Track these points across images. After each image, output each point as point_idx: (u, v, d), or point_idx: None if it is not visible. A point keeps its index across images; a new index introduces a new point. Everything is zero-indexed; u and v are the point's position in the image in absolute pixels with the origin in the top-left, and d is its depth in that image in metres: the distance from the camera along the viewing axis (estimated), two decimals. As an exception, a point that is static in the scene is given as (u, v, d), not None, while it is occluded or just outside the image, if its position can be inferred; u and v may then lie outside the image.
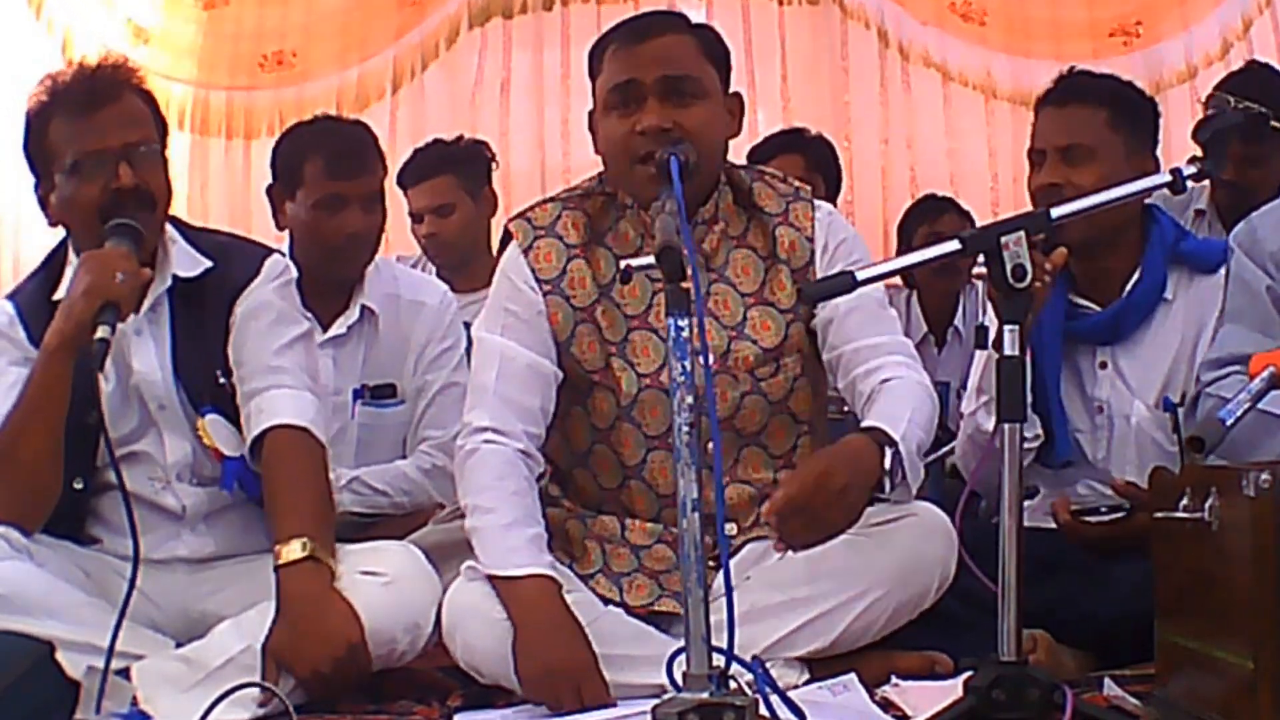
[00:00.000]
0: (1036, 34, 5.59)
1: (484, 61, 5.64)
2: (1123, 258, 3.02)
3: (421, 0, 5.69)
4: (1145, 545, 2.65)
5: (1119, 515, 2.89)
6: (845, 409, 3.97)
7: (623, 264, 2.56)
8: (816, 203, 2.84)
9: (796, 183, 2.87)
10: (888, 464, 2.54)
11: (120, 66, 2.86)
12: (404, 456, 3.46)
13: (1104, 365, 3.05)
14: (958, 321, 5.10)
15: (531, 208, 2.87)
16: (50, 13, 5.60)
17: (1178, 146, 2.83)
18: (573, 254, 2.78)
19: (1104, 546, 2.89)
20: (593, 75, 2.80)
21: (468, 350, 3.18)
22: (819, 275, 2.76)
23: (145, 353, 2.84)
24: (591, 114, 2.83)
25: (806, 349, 2.80)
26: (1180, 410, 2.92)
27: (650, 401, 2.74)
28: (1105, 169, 2.90)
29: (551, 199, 2.87)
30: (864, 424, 2.62)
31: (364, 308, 3.42)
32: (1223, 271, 3.00)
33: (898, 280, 4.91)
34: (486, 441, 2.71)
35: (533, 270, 2.77)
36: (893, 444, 2.54)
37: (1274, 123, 3.69)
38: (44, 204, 2.86)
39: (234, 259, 2.93)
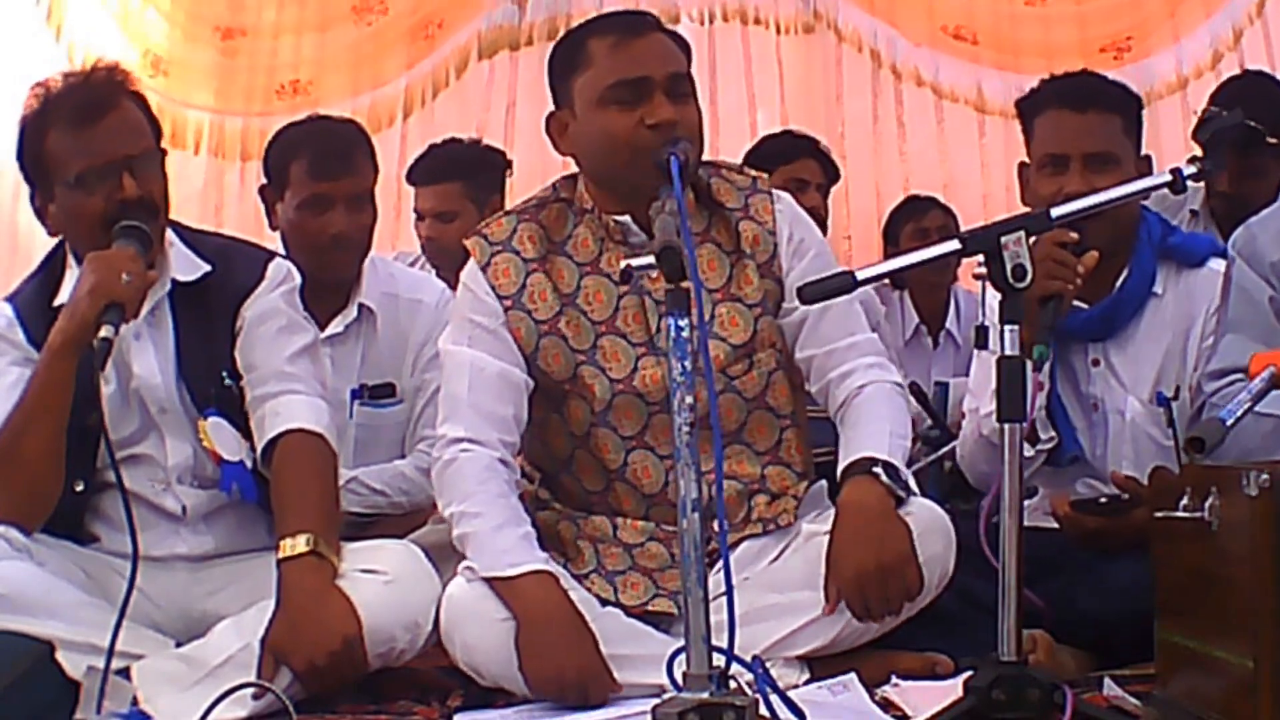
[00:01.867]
0: (1027, 54, 5.65)
1: (492, 89, 5.77)
2: (1116, 256, 3.01)
3: (432, 34, 5.82)
4: (1143, 541, 2.64)
5: (1117, 505, 2.88)
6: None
7: (622, 264, 2.55)
8: (775, 193, 2.85)
9: (753, 174, 2.87)
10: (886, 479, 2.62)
11: (114, 71, 2.85)
12: (403, 456, 3.45)
13: (1096, 363, 3.05)
14: (950, 324, 5.11)
15: (488, 223, 2.86)
16: (70, 37, 5.63)
17: (1170, 156, 2.83)
18: (531, 268, 2.77)
19: (1101, 541, 2.89)
20: (568, 69, 2.75)
21: None
22: (784, 267, 2.79)
23: (145, 357, 2.84)
24: (555, 113, 2.79)
25: (780, 342, 2.81)
26: (1174, 404, 2.92)
27: (623, 405, 2.74)
28: (1124, 175, 2.88)
29: (508, 212, 2.86)
30: (849, 456, 2.70)
31: (362, 306, 3.41)
32: (1210, 265, 3.01)
33: (885, 282, 4.93)
34: (463, 451, 2.71)
35: (493, 287, 2.77)
36: (880, 463, 2.64)
37: (1270, 139, 3.68)
38: (41, 214, 2.85)
39: (235, 262, 2.93)
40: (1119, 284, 3.02)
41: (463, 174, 4.42)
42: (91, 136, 2.75)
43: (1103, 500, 2.92)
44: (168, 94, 5.41)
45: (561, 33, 5.55)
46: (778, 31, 5.84)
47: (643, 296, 2.75)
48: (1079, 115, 2.99)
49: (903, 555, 2.57)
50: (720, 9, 5.78)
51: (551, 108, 2.82)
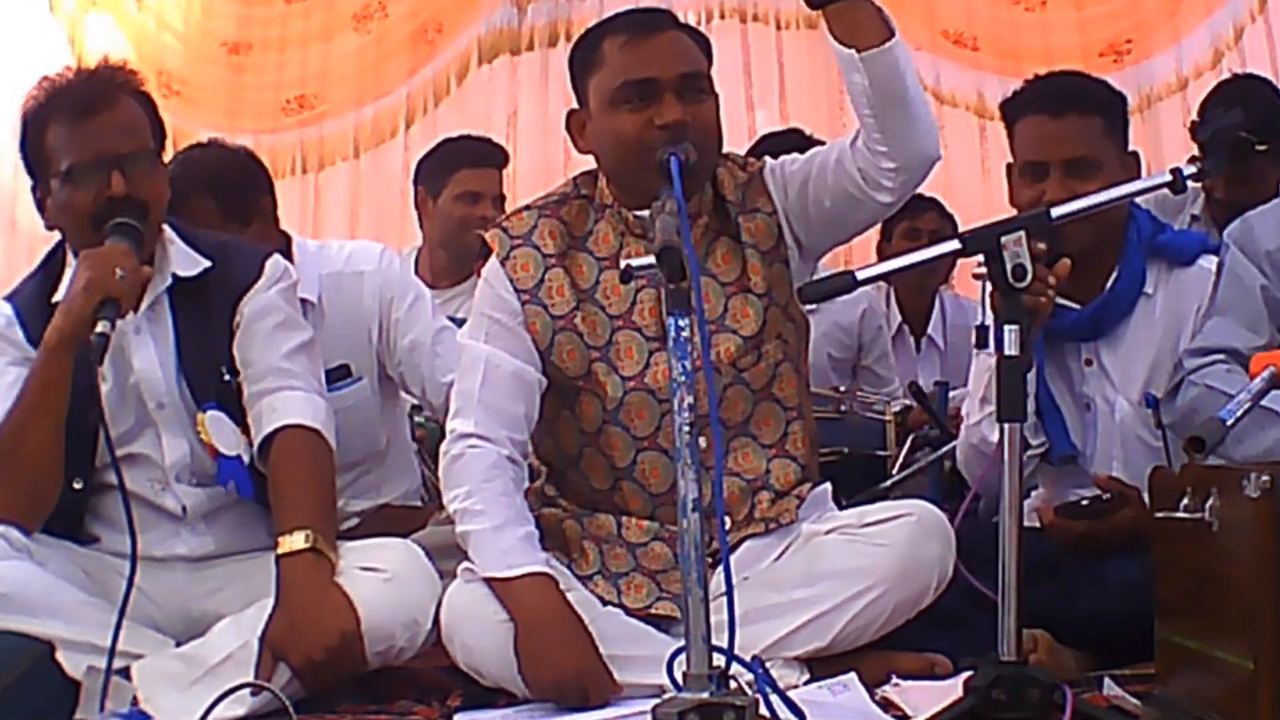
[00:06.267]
0: (1028, 59, 5.64)
1: (492, 96, 5.80)
2: (1105, 255, 3.00)
3: (433, 39, 5.86)
4: (1130, 543, 2.68)
5: (1099, 507, 2.88)
6: (841, 409, 3.99)
7: (623, 264, 2.56)
8: (765, 169, 2.81)
9: (756, 165, 2.83)
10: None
11: (119, 70, 2.86)
12: (375, 435, 3.45)
13: (1089, 362, 3.04)
14: (933, 330, 5.10)
15: (508, 216, 2.87)
16: (90, 61, 5.71)
17: (1170, 156, 2.82)
18: (550, 264, 2.78)
19: (1089, 545, 2.88)
20: (585, 68, 2.77)
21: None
22: (789, 230, 2.77)
23: (145, 351, 2.84)
24: (575, 112, 2.81)
25: (787, 334, 2.80)
26: (1164, 406, 2.92)
27: (636, 404, 2.75)
28: (1107, 178, 2.84)
29: (528, 207, 2.87)
30: None
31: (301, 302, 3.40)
32: (1201, 263, 3.00)
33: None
34: (471, 447, 2.72)
35: (511, 280, 2.78)
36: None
37: (1258, 146, 3.68)
38: (40, 206, 2.86)
39: (234, 258, 2.93)
40: (1110, 284, 3.01)
41: (502, 165, 4.52)
42: (85, 131, 2.76)
43: (1084, 502, 2.92)
44: (181, 114, 5.47)
45: (561, 37, 5.65)
46: (778, 28, 5.83)
47: (659, 290, 2.75)
48: (1056, 121, 2.95)
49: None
50: (719, 7, 5.77)
51: (554, 110, 2.83)
